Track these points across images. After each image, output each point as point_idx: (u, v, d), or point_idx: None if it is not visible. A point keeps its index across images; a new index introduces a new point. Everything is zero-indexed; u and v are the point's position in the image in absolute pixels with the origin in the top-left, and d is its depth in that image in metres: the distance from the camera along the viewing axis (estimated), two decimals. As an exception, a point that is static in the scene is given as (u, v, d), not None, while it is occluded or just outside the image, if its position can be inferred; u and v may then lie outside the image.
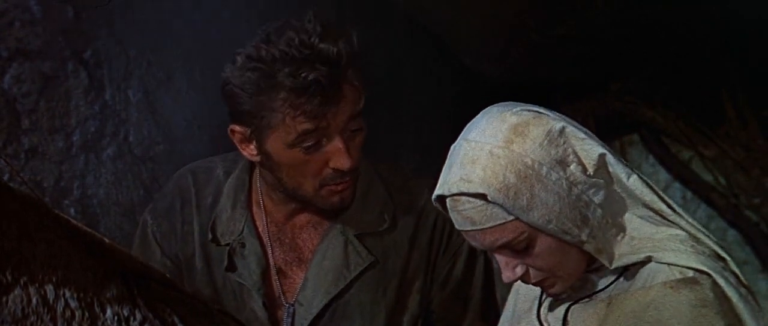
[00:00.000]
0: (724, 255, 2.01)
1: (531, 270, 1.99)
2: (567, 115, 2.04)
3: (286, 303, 2.46)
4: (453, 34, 4.40)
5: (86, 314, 1.51)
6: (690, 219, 2.04)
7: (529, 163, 1.91)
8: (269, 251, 2.48)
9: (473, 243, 2.00)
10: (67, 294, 1.50)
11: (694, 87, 4.86)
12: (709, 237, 2.03)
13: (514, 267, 1.99)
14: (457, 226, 2.00)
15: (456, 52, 4.53)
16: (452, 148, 2.00)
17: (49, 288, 1.49)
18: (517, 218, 1.92)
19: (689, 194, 5.11)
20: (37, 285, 1.48)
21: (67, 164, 2.91)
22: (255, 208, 2.51)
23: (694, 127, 5.05)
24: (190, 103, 3.29)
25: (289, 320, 2.46)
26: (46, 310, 1.48)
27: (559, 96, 4.74)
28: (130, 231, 3.02)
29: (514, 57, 4.50)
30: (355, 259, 2.45)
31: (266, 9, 3.22)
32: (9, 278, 1.47)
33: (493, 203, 1.91)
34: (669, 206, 2.03)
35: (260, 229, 2.49)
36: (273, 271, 2.48)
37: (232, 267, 2.47)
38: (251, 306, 2.46)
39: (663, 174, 5.19)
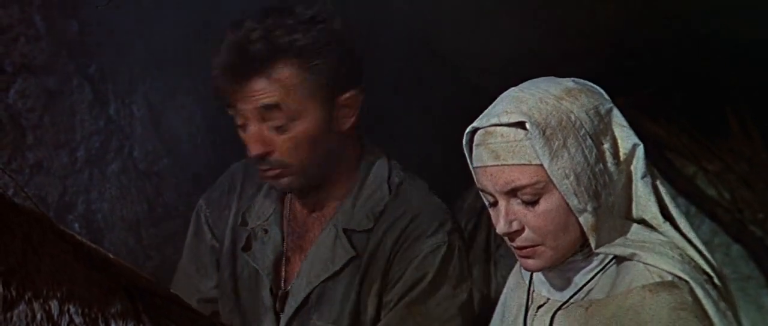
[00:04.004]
0: (707, 269, 2.02)
1: (526, 230, 2.00)
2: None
3: (283, 289, 2.59)
4: (458, 49, 4.40)
5: (91, 329, 1.51)
6: (687, 233, 2.04)
7: (573, 118, 1.97)
8: (287, 240, 2.63)
9: (485, 183, 2.01)
10: (72, 310, 1.50)
11: (698, 102, 4.85)
12: (699, 251, 2.03)
13: (511, 221, 2.00)
14: (474, 163, 2.03)
15: (460, 67, 4.53)
16: (502, 94, 2.06)
17: (54, 304, 1.49)
18: (540, 164, 1.95)
19: (693, 209, 5.09)
20: (41, 300, 1.48)
21: (71, 179, 2.91)
22: (287, 200, 2.67)
23: (698, 142, 5.03)
24: (194, 118, 3.29)
25: (281, 306, 2.59)
26: (50, 326, 1.48)
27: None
28: (134, 246, 3.02)
29: (519, 72, 4.49)
30: (340, 253, 2.55)
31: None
32: (14, 293, 1.47)
33: (526, 139, 1.95)
34: (667, 219, 2.04)
35: (285, 220, 2.64)
36: (283, 259, 2.62)
37: (248, 247, 2.64)
38: (261, 292, 2.60)
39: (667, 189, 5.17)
